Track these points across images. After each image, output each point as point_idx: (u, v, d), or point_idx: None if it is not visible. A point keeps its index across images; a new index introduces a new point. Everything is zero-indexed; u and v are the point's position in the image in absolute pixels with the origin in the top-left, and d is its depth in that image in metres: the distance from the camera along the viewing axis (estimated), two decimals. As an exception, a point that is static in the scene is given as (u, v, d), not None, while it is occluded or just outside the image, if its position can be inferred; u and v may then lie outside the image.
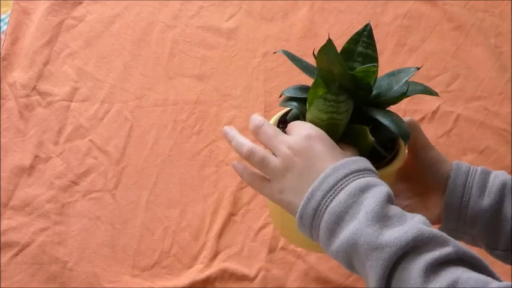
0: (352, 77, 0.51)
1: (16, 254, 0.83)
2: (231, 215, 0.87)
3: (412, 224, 0.43)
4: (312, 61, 0.53)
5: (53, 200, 0.88)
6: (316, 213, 0.46)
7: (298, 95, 0.56)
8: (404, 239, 0.42)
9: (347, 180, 0.46)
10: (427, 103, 0.97)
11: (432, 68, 1.01)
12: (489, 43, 1.03)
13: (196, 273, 0.82)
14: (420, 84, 0.56)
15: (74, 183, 0.90)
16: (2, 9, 1.12)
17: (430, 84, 1.07)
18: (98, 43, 1.05)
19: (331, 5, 1.08)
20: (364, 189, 0.46)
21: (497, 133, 0.94)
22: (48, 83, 1.00)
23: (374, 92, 0.54)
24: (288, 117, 0.59)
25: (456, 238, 0.59)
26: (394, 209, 0.45)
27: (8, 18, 1.07)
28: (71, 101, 0.98)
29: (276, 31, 1.06)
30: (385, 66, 1.01)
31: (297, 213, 0.48)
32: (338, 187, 0.46)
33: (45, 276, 0.82)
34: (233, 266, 0.82)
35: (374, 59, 0.55)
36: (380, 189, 0.46)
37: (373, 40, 0.55)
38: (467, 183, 0.56)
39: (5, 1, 1.12)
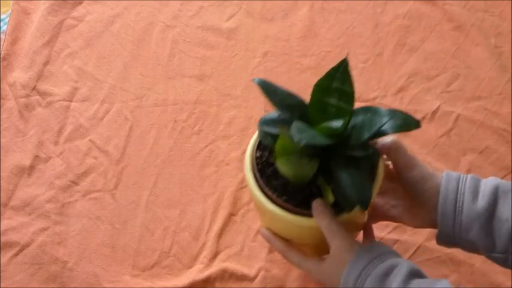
0: (312, 148, 0.52)
1: (16, 254, 0.83)
2: (231, 215, 0.87)
3: None
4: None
5: (53, 200, 0.88)
6: None
7: (274, 131, 0.56)
8: None
9: (370, 268, 0.54)
10: (427, 103, 0.97)
11: (432, 68, 1.01)
12: (489, 43, 1.03)
13: (196, 273, 0.82)
14: (401, 115, 0.55)
15: (74, 183, 0.90)
16: (2, 9, 1.12)
17: (430, 84, 1.07)
18: (98, 43, 1.05)
19: (331, 5, 1.08)
20: (387, 273, 0.53)
21: (497, 133, 0.94)
22: (48, 83, 1.00)
23: (347, 131, 0.55)
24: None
25: (454, 245, 0.59)
26: (417, 284, 0.51)
27: (8, 18, 1.07)
28: (71, 101, 0.98)
29: (276, 31, 1.06)
30: (385, 66, 1.01)
31: None
32: (364, 274, 0.54)
33: (45, 276, 0.82)
34: (233, 266, 0.82)
35: (350, 94, 0.55)
36: (400, 269, 0.53)
37: (349, 75, 0.55)
38: (459, 189, 0.56)
39: (5, 1, 1.12)
